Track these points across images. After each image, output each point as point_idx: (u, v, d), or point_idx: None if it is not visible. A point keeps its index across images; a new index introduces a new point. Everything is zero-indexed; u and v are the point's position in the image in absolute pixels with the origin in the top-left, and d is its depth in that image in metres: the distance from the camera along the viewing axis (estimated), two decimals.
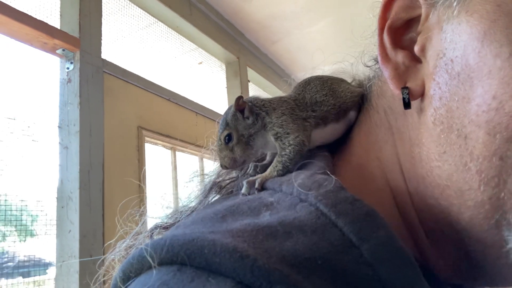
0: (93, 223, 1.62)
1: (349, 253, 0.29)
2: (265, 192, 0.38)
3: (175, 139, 2.30)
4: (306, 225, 0.30)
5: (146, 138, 2.11)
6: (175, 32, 2.59)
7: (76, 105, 1.68)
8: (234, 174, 0.50)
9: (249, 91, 3.17)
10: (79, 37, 1.74)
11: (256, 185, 0.40)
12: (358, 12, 2.62)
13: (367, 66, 0.49)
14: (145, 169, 2.01)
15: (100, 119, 1.78)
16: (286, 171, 0.42)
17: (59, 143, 1.68)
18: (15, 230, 1.65)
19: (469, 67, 0.32)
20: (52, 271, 1.66)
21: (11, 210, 1.59)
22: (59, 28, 1.74)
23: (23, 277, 1.64)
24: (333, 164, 0.43)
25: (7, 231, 1.63)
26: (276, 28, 3.04)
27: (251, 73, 3.24)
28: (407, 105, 0.37)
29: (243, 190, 0.40)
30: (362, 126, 0.46)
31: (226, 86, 3.05)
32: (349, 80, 0.52)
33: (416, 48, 0.37)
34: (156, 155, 2.26)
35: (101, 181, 1.71)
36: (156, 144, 2.26)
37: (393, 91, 0.38)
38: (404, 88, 0.37)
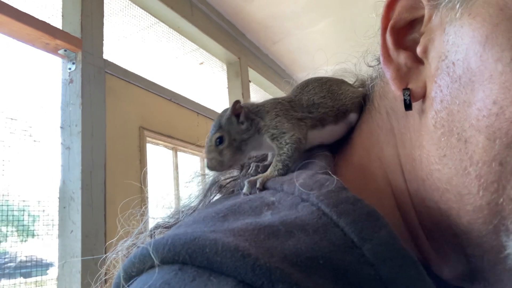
0: (95, 223, 1.62)
1: (351, 253, 0.29)
2: (267, 191, 0.38)
3: (177, 139, 2.30)
4: (307, 225, 0.30)
5: (148, 139, 2.11)
6: (177, 33, 2.59)
7: (78, 106, 1.68)
8: (235, 173, 0.50)
9: (250, 92, 3.17)
10: (81, 38, 1.75)
11: (258, 185, 0.40)
12: (359, 12, 2.62)
13: (370, 66, 0.49)
14: (146, 170, 2.01)
15: (102, 119, 1.78)
16: (286, 169, 0.42)
17: (61, 143, 1.69)
18: (17, 231, 1.65)
19: (471, 71, 0.32)
20: (53, 272, 1.66)
21: (12, 211, 1.60)
22: (61, 28, 1.75)
23: (24, 277, 1.64)
24: (334, 163, 0.43)
25: (9, 231, 1.64)
26: (277, 28, 3.04)
27: (252, 73, 3.24)
28: (408, 106, 0.37)
29: (245, 190, 0.40)
30: (363, 126, 0.46)
31: (227, 86, 3.06)
32: (352, 80, 0.52)
33: (419, 49, 0.36)
34: (157, 155, 2.27)
35: (103, 182, 1.71)
36: (157, 144, 2.26)
37: (395, 92, 0.38)
38: (406, 89, 0.37)
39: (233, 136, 0.45)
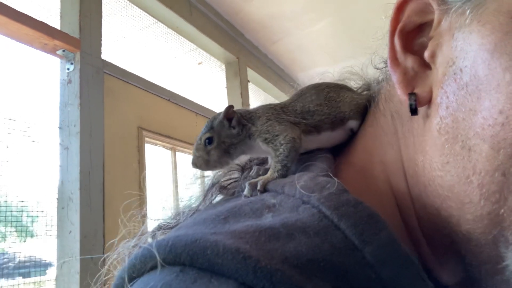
0: (94, 224, 1.62)
1: (352, 255, 0.29)
2: (268, 194, 0.38)
3: (175, 139, 2.30)
4: (308, 227, 0.30)
5: (146, 139, 2.11)
6: (175, 33, 2.59)
7: (76, 106, 1.68)
8: (236, 175, 0.50)
9: (249, 91, 3.17)
10: (79, 38, 1.74)
11: (258, 187, 0.40)
12: (359, 12, 2.63)
13: (377, 69, 0.49)
14: (145, 170, 2.01)
15: (100, 119, 1.77)
16: (286, 169, 0.42)
17: (60, 144, 1.68)
18: (15, 231, 1.65)
19: (478, 79, 0.32)
20: (52, 272, 1.66)
21: (11, 211, 1.59)
22: (59, 29, 1.74)
23: (23, 277, 1.63)
24: (336, 165, 0.43)
25: (7, 231, 1.63)
26: (276, 28, 3.04)
27: (251, 73, 3.23)
28: (413, 111, 0.37)
29: (245, 192, 0.40)
30: (368, 129, 0.46)
31: (226, 86, 3.05)
32: (359, 83, 0.52)
33: (426, 54, 0.36)
34: (156, 155, 2.26)
35: (101, 182, 1.70)
36: (156, 144, 2.26)
37: (400, 96, 0.38)
38: (412, 94, 0.37)
39: (223, 139, 0.46)
